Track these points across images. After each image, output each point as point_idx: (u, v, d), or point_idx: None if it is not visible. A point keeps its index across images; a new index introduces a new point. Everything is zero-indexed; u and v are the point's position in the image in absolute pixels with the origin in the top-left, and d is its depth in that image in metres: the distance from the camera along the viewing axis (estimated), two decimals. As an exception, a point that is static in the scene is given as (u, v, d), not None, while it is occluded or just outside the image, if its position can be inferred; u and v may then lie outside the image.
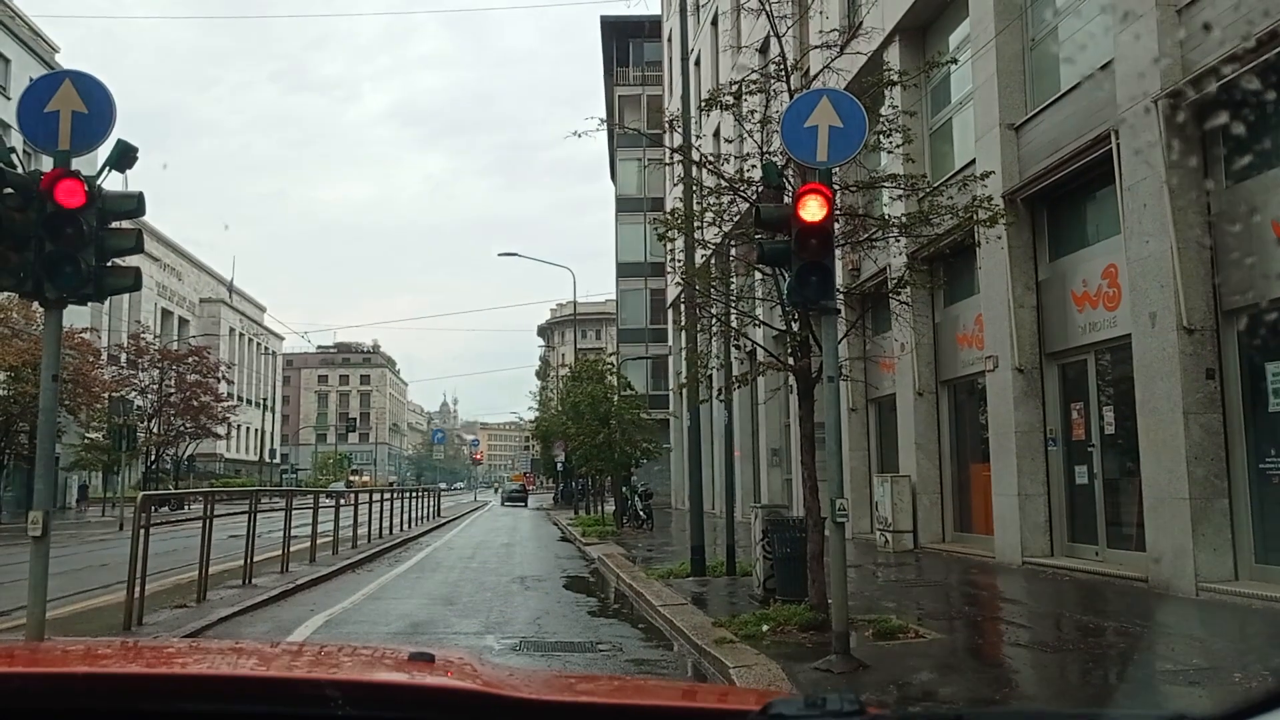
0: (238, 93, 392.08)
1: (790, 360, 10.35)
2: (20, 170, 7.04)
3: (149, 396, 50.51)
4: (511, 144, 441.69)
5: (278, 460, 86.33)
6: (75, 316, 35.37)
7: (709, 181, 11.35)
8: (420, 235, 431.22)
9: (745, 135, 11.17)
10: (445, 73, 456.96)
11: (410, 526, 29.45)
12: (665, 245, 14.39)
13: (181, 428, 52.63)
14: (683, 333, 19.36)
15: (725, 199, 10.94)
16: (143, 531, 10.16)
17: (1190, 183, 10.78)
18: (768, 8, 11.04)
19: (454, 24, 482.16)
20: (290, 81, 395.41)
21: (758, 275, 11.69)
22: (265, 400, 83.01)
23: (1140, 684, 7.16)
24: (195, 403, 52.48)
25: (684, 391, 17.63)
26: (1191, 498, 10.40)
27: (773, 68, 10.69)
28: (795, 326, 10.07)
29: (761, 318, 13.00)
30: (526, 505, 62.54)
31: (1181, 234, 10.62)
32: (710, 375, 18.03)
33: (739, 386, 14.68)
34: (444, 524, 35.40)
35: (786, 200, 8.43)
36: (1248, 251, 10.46)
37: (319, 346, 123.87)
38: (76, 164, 7.08)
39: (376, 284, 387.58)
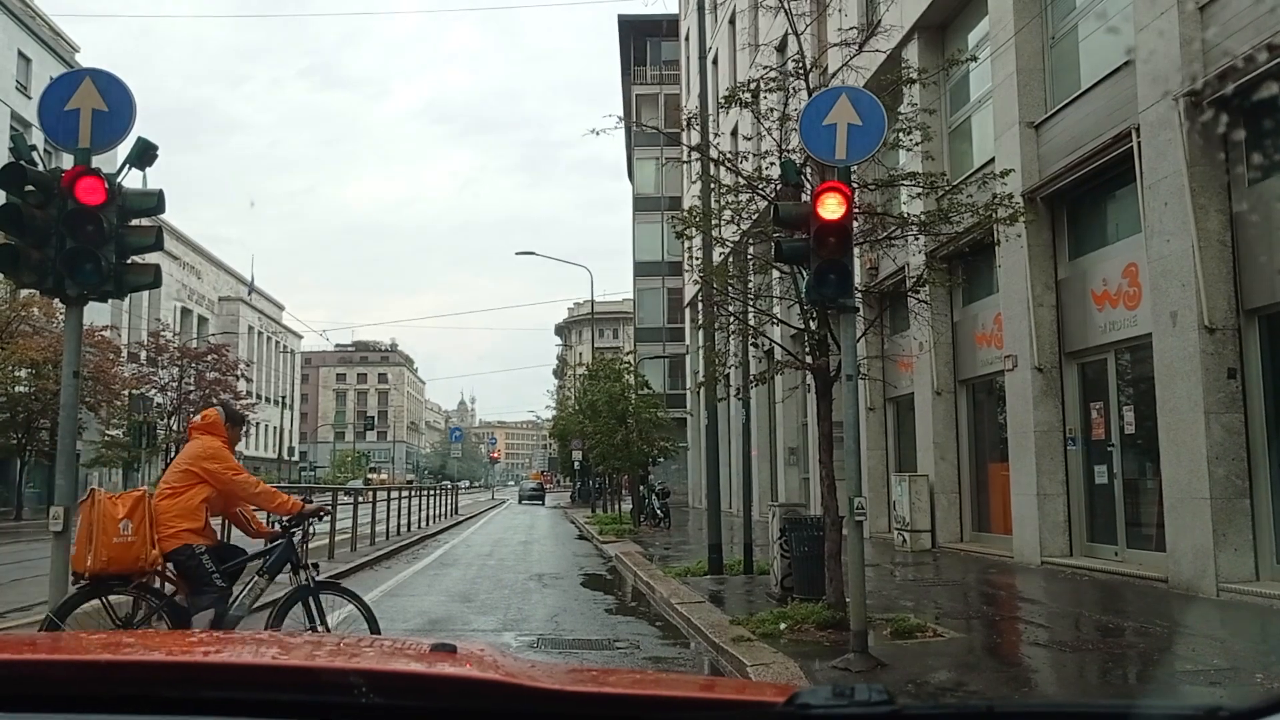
0: (269, 89, 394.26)
1: (808, 359, 10.33)
2: (41, 168, 7.08)
3: (168, 394, 50.85)
4: (537, 142, 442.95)
5: (296, 458, 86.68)
6: (95, 314, 35.60)
7: (727, 179, 11.34)
8: (445, 233, 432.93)
9: (763, 133, 11.16)
10: (475, 70, 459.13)
11: (428, 524, 29.53)
12: (683, 243, 14.38)
13: (201, 425, 52.83)
14: (700, 331, 19.34)
15: (743, 197, 10.92)
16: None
17: (1212, 180, 10.71)
18: (786, 6, 11.02)
19: (485, 21, 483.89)
20: (321, 78, 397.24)
21: (776, 273, 11.67)
22: (284, 398, 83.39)
23: (1160, 684, 7.12)
24: (214, 400, 52.74)
25: (701, 390, 17.63)
26: (1212, 498, 10.34)
27: (791, 65, 10.66)
28: (813, 325, 10.05)
29: (779, 316, 12.98)
30: (544, 504, 62.60)
31: (1203, 232, 10.55)
32: (728, 374, 18.02)
33: (756, 385, 14.67)
34: (461, 521, 35.46)
35: (805, 198, 8.41)
36: (1270, 250, 10.38)
37: (337, 345, 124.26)
38: (97, 161, 7.12)
39: (401, 282, 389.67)
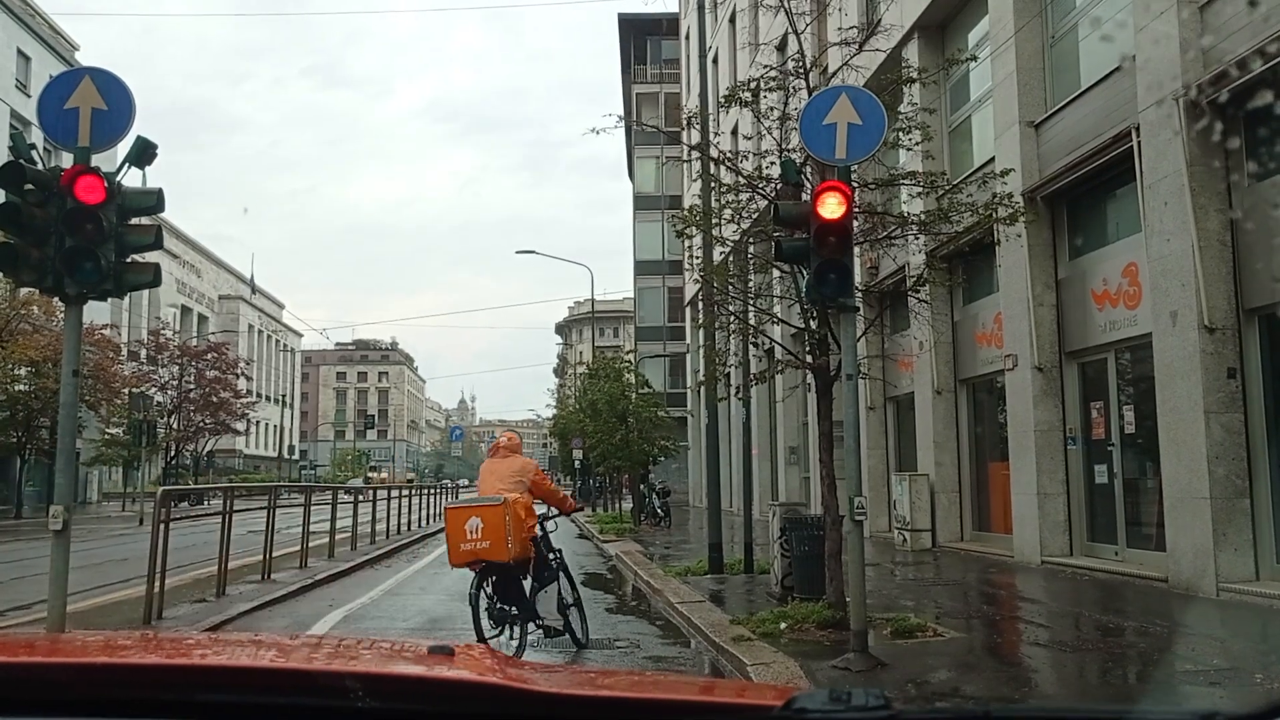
0: (271, 89, 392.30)
1: (808, 358, 10.33)
2: (40, 166, 7.08)
3: (169, 392, 50.89)
4: (538, 141, 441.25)
5: (296, 457, 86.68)
6: (95, 313, 35.58)
7: (727, 178, 11.33)
8: (446, 233, 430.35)
9: (764, 132, 11.15)
10: (477, 69, 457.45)
11: (428, 523, 29.51)
12: (683, 242, 14.37)
13: (201, 423, 52.99)
14: (700, 330, 19.34)
15: (743, 196, 10.91)
16: (162, 526, 10.22)
17: (1212, 180, 10.71)
18: (786, 5, 11.01)
19: (488, 20, 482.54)
20: (323, 77, 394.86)
21: (776, 273, 11.67)
22: (284, 397, 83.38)
23: (1160, 684, 7.12)
24: (214, 399, 52.86)
25: (702, 389, 17.62)
26: (1212, 497, 10.33)
27: (791, 65, 10.65)
28: (814, 324, 10.04)
29: (780, 315, 12.97)
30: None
31: (1203, 232, 10.55)
32: (728, 373, 18.01)
33: (757, 384, 14.67)
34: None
35: (805, 198, 8.41)
36: (1270, 249, 10.37)
37: (337, 344, 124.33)
38: (96, 160, 7.12)
39: (401, 282, 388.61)
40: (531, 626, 8.46)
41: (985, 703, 6.21)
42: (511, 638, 8.37)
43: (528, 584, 8.49)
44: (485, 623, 8.30)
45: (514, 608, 8.39)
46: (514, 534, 8.11)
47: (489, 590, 8.36)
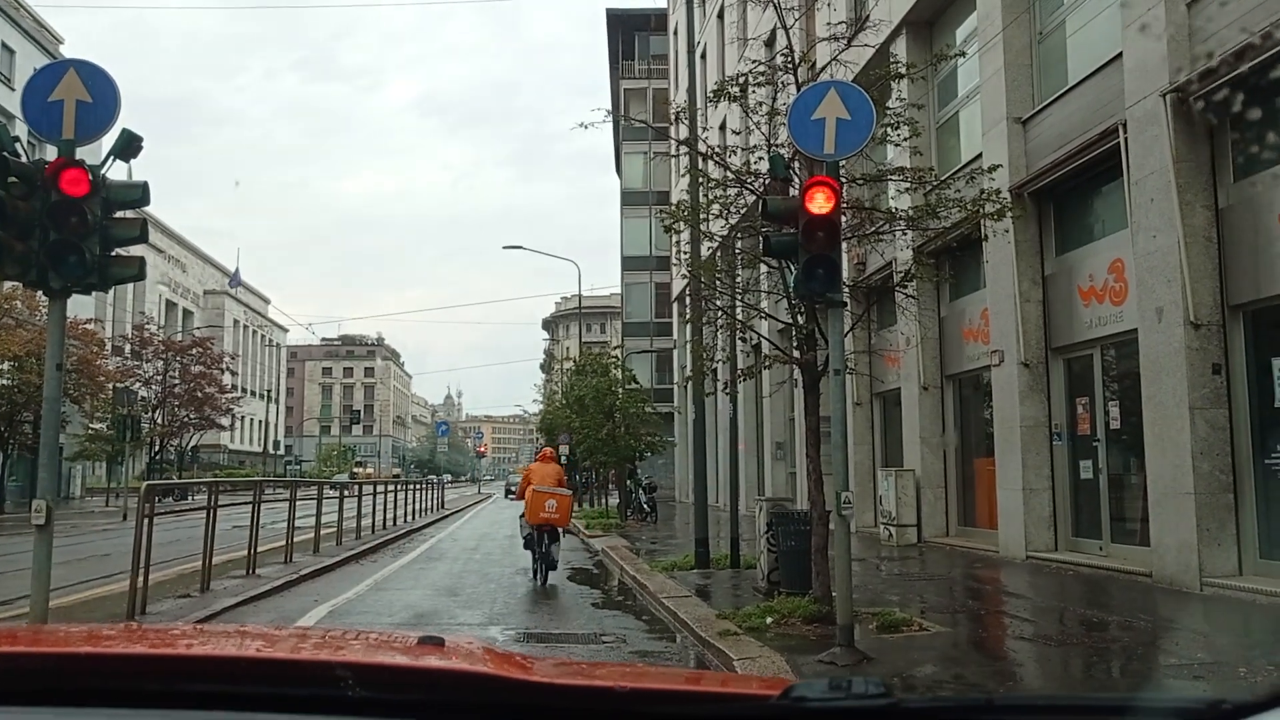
0: (262, 81, 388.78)
1: (796, 353, 10.33)
2: (25, 159, 7.02)
3: (153, 387, 50.63)
4: (530, 135, 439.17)
5: (281, 452, 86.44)
6: (79, 307, 35.37)
7: (715, 173, 11.32)
8: (438, 227, 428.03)
9: (752, 127, 11.14)
10: (471, 61, 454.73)
11: (414, 518, 29.45)
12: (671, 237, 14.35)
13: (185, 418, 52.77)
14: (688, 326, 19.33)
15: (732, 191, 10.90)
16: (146, 521, 10.16)
17: (1198, 177, 10.74)
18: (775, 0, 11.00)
19: (481, 12, 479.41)
20: (314, 70, 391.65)
21: (764, 268, 11.65)
22: (269, 392, 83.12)
23: (1144, 678, 7.14)
24: (199, 394, 52.65)
25: (689, 385, 17.61)
26: (1196, 493, 10.37)
27: (780, 60, 10.63)
28: (801, 319, 10.04)
29: (767, 311, 12.96)
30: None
31: (1189, 228, 10.58)
32: (715, 369, 18.00)
33: (744, 380, 14.64)
34: (447, 516, 35.38)
35: (793, 193, 8.41)
36: (1255, 246, 10.42)
37: (323, 338, 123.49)
38: (81, 154, 7.06)
39: (391, 276, 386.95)
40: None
41: (987, 692, 6.22)
42: (539, 574, 13.65)
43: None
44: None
45: (546, 554, 13.67)
46: (569, 512, 14.54)
47: (537, 542, 13.66)
